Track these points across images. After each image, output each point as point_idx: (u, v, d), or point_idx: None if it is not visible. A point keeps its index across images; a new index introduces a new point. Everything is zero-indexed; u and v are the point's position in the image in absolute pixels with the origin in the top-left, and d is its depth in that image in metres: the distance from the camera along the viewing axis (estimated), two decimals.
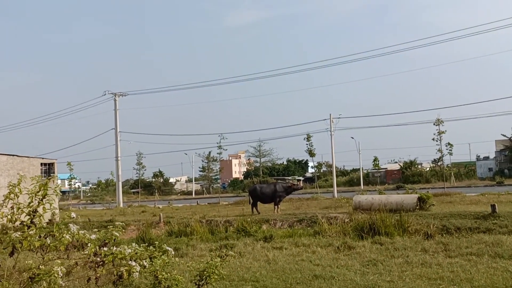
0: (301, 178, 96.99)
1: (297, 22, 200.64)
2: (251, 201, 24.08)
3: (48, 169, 28.09)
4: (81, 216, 28.41)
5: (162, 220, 22.81)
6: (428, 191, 30.20)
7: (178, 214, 27.87)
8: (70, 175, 58.95)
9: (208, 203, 42.34)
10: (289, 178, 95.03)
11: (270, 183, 26.46)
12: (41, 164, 27.80)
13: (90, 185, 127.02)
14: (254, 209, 23.62)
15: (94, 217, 29.27)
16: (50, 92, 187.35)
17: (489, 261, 9.80)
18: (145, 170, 54.80)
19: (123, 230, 24.32)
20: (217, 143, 45.39)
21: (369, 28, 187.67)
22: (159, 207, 39.60)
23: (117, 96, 53.13)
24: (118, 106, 53.20)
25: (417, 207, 18.69)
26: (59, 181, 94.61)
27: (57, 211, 27.98)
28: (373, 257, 10.75)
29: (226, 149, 46.75)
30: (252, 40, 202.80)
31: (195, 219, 22.18)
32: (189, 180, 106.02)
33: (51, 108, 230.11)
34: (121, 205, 49.91)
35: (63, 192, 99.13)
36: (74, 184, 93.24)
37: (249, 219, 20.01)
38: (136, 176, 56.29)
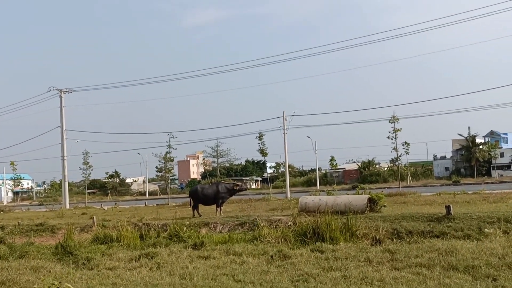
0: (259, 178, 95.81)
1: (256, 22, 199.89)
2: (192, 203, 22.29)
3: None
4: (15, 219, 26.43)
5: (95, 224, 20.97)
6: (382, 191, 28.96)
7: (118, 216, 25.98)
8: (14, 175, 56.07)
9: (156, 204, 40.49)
10: (247, 178, 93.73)
11: (212, 184, 24.72)
12: None
13: (45, 186, 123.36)
14: (196, 211, 21.86)
15: (29, 220, 27.10)
16: None
17: (441, 275, 8.24)
18: (92, 170, 52.17)
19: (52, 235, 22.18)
20: (166, 142, 43.41)
21: (325, 28, 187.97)
22: (104, 209, 37.55)
23: (62, 92, 50.44)
24: (64, 103, 50.62)
25: (368, 209, 17.23)
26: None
27: None
28: (307, 270, 9.10)
29: (176, 148, 44.73)
30: (210, 39, 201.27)
31: (129, 222, 20.44)
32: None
33: None
34: (67, 206, 47.42)
35: (16, 193, 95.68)
36: (23, 185, 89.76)
37: (187, 222, 18.36)
38: (83, 176, 53.54)
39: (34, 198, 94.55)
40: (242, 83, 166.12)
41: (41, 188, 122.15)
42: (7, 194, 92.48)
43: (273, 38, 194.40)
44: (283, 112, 46.01)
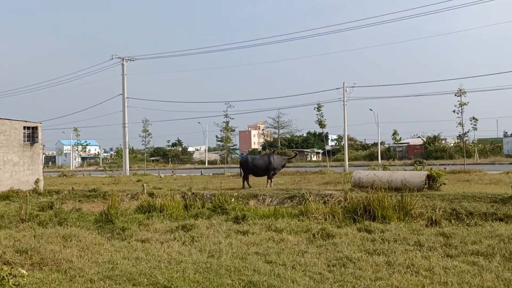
0: (320, 151, 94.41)
1: None
2: (242, 173, 21.63)
3: (32, 133, 25.93)
4: (73, 184, 26.63)
5: (145, 192, 20.71)
6: (445, 168, 27.48)
7: (171, 185, 25.69)
8: (78, 141, 57.18)
9: (212, 174, 40.19)
10: (308, 150, 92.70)
11: (264, 155, 23.86)
12: (24, 127, 25.64)
13: (112, 152, 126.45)
14: (246, 182, 21.22)
15: (84, 185, 27.30)
16: (61, 58, 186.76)
17: (501, 266, 7.17)
18: (151, 137, 52.43)
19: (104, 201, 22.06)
20: (224, 111, 42.90)
21: None
22: (160, 176, 37.57)
23: (124, 60, 50.71)
24: (126, 71, 50.89)
25: (426, 186, 16.07)
26: (66, 149, 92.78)
27: (41, 177, 26.18)
28: (347, 253, 8.21)
29: (233, 118, 44.18)
30: (272, 9, 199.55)
31: (178, 191, 20.09)
32: (209, 150, 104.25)
33: (60, 74, 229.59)
34: (127, 173, 47.95)
35: (83, 158, 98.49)
36: (89, 151, 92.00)
37: (236, 194, 17.78)
38: (142, 144, 53.93)
39: (101, 164, 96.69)
40: (303, 53, 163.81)
41: (108, 154, 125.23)
42: (75, 160, 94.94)
43: (335, 7, 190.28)
44: (343, 83, 44.60)
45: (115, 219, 13.04)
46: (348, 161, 47.46)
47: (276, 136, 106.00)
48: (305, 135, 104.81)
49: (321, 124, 38.84)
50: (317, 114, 38.85)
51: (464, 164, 32.94)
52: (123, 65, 50.80)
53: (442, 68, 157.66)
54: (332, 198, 15.92)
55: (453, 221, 11.81)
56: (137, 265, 7.74)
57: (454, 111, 32.52)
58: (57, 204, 18.24)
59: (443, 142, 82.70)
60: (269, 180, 21.01)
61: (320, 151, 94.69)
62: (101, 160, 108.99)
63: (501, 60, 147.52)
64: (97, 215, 14.07)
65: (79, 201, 21.09)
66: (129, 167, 52.51)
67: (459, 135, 37.15)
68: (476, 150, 55.41)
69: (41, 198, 22.03)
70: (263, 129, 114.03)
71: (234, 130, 51.28)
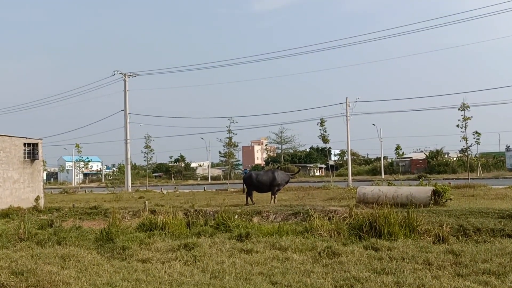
0: (323, 166, 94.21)
1: (324, 8, 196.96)
2: (246, 189, 21.36)
3: (32, 150, 25.74)
4: (74, 201, 26.38)
5: (147, 209, 20.45)
6: (449, 182, 27.25)
7: (173, 201, 25.45)
8: (79, 157, 56.84)
9: (215, 190, 39.90)
10: (311, 165, 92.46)
11: (267, 170, 23.57)
12: (24, 144, 25.46)
13: (114, 169, 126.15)
14: (249, 198, 20.95)
15: (85, 202, 27.06)
16: (62, 75, 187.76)
17: None
18: (153, 153, 52.04)
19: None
20: (227, 126, 42.58)
21: (393, 13, 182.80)
22: (163, 193, 37.32)
23: (126, 76, 50.60)
24: (128, 87, 50.78)
25: (431, 202, 15.82)
26: (68, 165, 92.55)
27: (42, 195, 25.94)
28: (354, 273, 7.97)
29: (236, 134, 43.70)
30: (277, 26, 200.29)
31: (180, 208, 19.85)
32: (212, 165, 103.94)
33: (61, 90, 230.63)
34: (129, 189, 47.65)
35: (85, 175, 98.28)
36: (91, 167, 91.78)
37: (239, 210, 17.58)
38: (144, 160, 53.64)
39: (103, 180, 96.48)
40: (307, 68, 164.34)
41: (110, 170, 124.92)
42: (77, 176, 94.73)
43: (337, 24, 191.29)
44: (346, 98, 44.42)
45: (115, 238, 12.82)
46: (351, 176, 47.14)
47: (279, 151, 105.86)
48: (308, 150, 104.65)
49: (325, 139, 38.46)
50: (320, 129, 38.56)
51: (468, 179, 32.64)
52: (125, 80, 50.68)
53: (445, 82, 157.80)
54: (337, 214, 15.69)
55: (460, 237, 11.59)
56: (137, 287, 7.51)
57: (458, 126, 32.25)
58: (57, 222, 18.03)
59: (446, 156, 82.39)
60: (273, 196, 20.74)
61: (323, 166, 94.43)
62: (103, 176, 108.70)
63: (504, 73, 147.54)
64: (98, 233, 13.87)
65: (80, 218, 20.86)
66: (131, 184, 52.15)
67: (462, 149, 36.80)
68: (479, 164, 55.05)
69: (41, 216, 21.78)
70: (266, 145, 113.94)
71: (237, 146, 50.86)
